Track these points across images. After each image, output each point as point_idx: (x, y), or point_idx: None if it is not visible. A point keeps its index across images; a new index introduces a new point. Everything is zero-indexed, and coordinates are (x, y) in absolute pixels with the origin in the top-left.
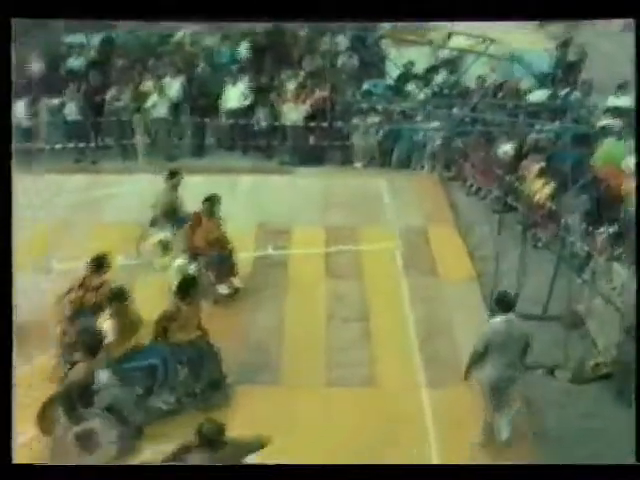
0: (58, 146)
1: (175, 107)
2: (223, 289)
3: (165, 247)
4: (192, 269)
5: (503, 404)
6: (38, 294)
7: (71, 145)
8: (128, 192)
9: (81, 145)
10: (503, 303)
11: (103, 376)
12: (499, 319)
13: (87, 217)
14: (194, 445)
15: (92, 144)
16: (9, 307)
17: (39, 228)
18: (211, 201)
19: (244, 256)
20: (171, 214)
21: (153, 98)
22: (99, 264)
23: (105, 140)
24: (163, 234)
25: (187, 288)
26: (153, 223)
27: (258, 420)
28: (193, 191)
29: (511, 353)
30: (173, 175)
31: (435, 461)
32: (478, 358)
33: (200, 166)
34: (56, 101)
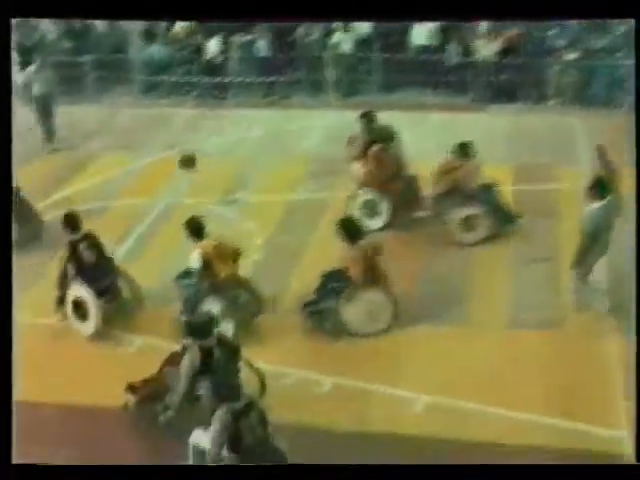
0: (248, 81)
1: (363, 43)
2: (417, 214)
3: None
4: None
5: None
6: (224, 222)
7: (260, 80)
8: (316, 126)
9: (271, 80)
10: None
11: None
12: None
13: (275, 150)
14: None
15: (282, 79)
16: (9, 308)
17: (228, 161)
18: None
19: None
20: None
21: (338, 35)
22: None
23: (295, 75)
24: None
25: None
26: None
27: (439, 359)
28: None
29: None
30: (366, 116)
31: (622, 406)
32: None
33: (389, 102)
34: (247, 38)
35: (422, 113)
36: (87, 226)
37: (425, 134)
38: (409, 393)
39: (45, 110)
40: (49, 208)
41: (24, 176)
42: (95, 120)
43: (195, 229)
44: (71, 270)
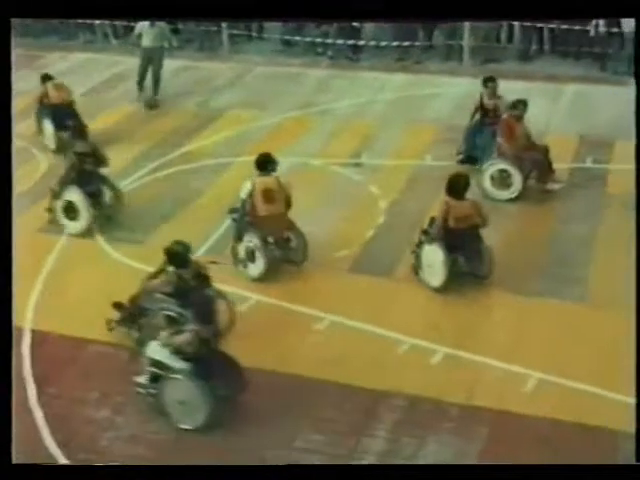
0: (383, 44)
1: None
2: (551, 185)
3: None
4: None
5: None
6: (348, 186)
7: (395, 44)
8: (448, 93)
9: (405, 44)
10: None
11: None
12: None
13: (404, 115)
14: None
15: (416, 44)
16: (9, 310)
17: (357, 123)
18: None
19: (559, 167)
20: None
21: None
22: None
23: (431, 40)
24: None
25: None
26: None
27: (558, 335)
28: (514, 97)
29: None
30: (488, 80)
31: None
32: None
33: (526, 71)
34: None
35: (558, 84)
36: (214, 179)
37: (557, 106)
38: (522, 369)
39: (148, 63)
40: (178, 159)
41: (152, 128)
42: (227, 77)
43: (261, 163)
44: (71, 176)
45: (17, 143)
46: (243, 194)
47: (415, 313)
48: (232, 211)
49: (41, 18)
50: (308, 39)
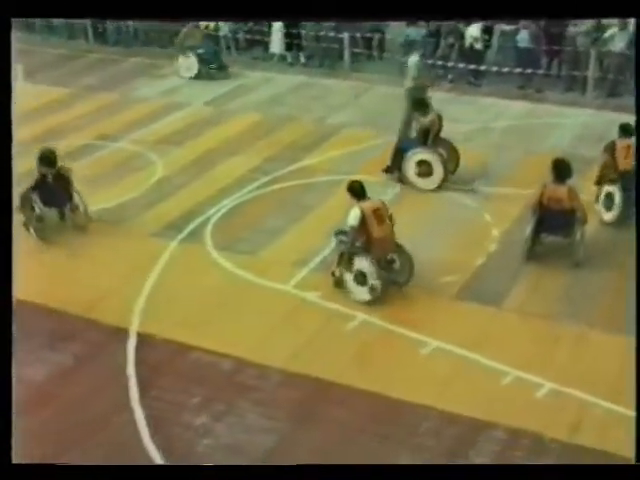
0: (505, 70)
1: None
2: None
3: None
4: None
5: None
6: (462, 212)
7: (518, 70)
8: (568, 124)
9: (528, 72)
10: None
11: None
12: None
13: (522, 143)
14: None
15: (540, 72)
16: (9, 311)
17: (473, 149)
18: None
19: None
20: None
21: (613, 30)
22: None
23: (554, 69)
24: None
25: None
26: None
27: None
28: None
29: None
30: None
31: None
32: None
33: None
34: (510, 28)
35: None
36: (326, 196)
37: None
38: (628, 411)
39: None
40: (292, 173)
41: (269, 142)
42: (346, 95)
43: (355, 191)
44: (35, 196)
45: (134, 148)
46: (353, 221)
47: (522, 345)
48: (339, 233)
49: (41, 18)
50: (430, 61)
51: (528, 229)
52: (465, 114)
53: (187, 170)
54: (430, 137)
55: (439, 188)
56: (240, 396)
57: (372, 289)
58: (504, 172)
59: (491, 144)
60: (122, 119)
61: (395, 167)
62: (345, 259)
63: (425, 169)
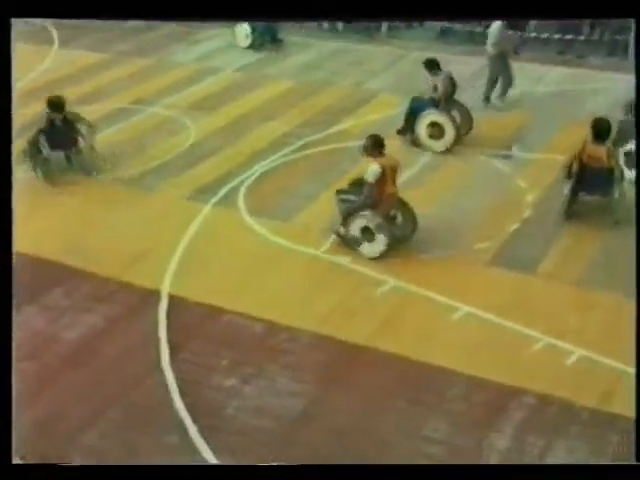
0: (544, 36)
1: None
2: None
3: None
4: None
5: None
6: (496, 177)
7: (558, 36)
8: (609, 89)
9: (569, 37)
10: None
11: None
12: None
13: (561, 109)
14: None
15: (581, 37)
16: (9, 306)
17: (511, 114)
18: None
19: None
20: None
21: None
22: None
23: (594, 35)
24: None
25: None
26: None
27: None
28: None
29: None
30: None
31: None
32: None
33: None
34: None
35: None
36: (360, 160)
37: None
38: None
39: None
40: (327, 138)
41: (305, 106)
42: (383, 61)
43: (377, 145)
44: (42, 138)
45: (168, 113)
46: (372, 177)
47: (555, 312)
48: (341, 192)
49: (41, 18)
50: (467, 29)
51: (566, 188)
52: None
53: (220, 135)
54: (442, 98)
55: (449, 150)
56: (270, 359)
57: (379, 244)
58: (542, 138)
59: (530, 109)
60: (157, 84)
61: (408, 128)
62: (352, 216)
63: (436, 131)
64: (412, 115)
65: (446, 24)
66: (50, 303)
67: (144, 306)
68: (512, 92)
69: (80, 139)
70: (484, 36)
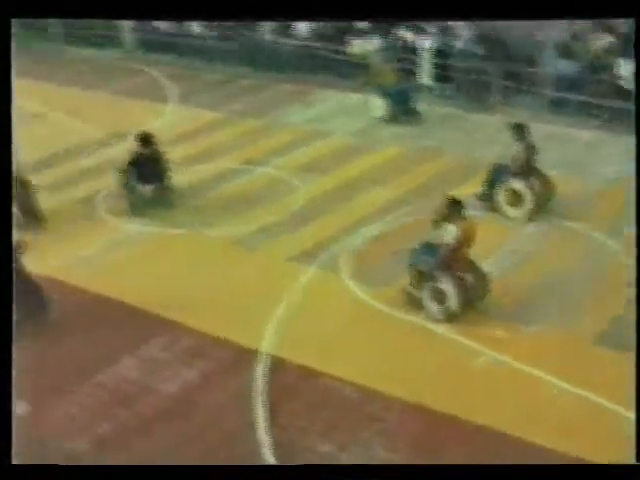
0: None
1: None
2: None
3: None
4: None
5: None
6: (602, 253)
7: None
8: None
9: None
10: None
11: None
12: None
13: None
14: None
15: None
16: (9, 307)
17: (619, 190)
18: None
19: None
20: None
21: None
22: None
23: None
24: None
25: None
26: None
27: None
28: None
29: None
30: None
31: None
32: None
33: None
34: None
35: None
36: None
37: None
38: None
39: None
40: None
41: (416, 173)
42: (492, 129)
43: (457, 208)
44: (132, 170)
45: (277, 173)
46: (451, 239)
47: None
48: (413, 252)
49: (41, 18)
50: (581, 98)
51: None
52: (617, 154)
53: (329, 197)
54: (521, 166)
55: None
56: (364, 426)
57: (448, 309)
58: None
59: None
60: (268, 144)
61: (489, 195)
62: (424, 277)
63: (515, 198)
64: (492, 182)
65: (557, 93)
66: (146, 355)
67: (240, 363)
68: (624, 167)
69: (167, 174)
70: (599, 108)
